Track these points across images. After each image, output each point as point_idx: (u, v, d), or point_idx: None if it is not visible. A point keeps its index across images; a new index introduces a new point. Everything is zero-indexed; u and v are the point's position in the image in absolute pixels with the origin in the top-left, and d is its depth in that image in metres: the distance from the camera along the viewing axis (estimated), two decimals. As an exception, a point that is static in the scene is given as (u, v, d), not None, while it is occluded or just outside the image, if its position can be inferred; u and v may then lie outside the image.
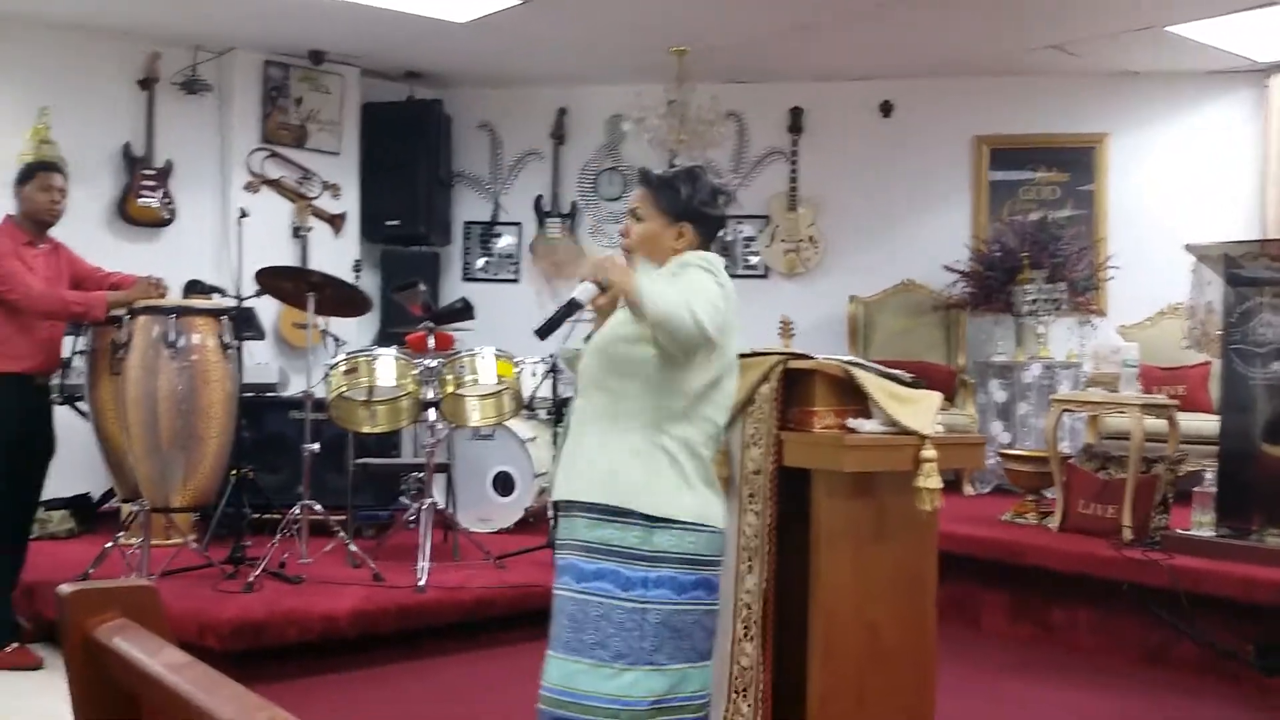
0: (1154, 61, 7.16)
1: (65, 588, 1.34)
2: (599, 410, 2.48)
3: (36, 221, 4.49)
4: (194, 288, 5.55)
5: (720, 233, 2.75)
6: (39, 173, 4.51)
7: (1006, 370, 7.06)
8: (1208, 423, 5.71)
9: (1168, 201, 7.38)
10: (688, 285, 2.42)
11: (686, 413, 2.43)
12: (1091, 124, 7.58)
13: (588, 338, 2.66)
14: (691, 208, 2.57)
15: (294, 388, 6.57)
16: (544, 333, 2.56)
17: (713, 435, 2.52)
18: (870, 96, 7.88)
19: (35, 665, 4.32)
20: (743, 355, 2.99)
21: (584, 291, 2.55)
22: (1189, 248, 5.05)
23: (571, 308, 2.55)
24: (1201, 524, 4.82)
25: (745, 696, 2.89)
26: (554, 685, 2.38)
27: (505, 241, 8.51)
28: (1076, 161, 7.63)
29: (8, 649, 4.31)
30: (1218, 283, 4.98)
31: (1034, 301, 6.91)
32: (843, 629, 2.83)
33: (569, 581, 2.43)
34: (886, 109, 7.88)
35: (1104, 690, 4.39)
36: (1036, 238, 7.13)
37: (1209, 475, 4.90)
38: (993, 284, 7.18)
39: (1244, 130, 7.33)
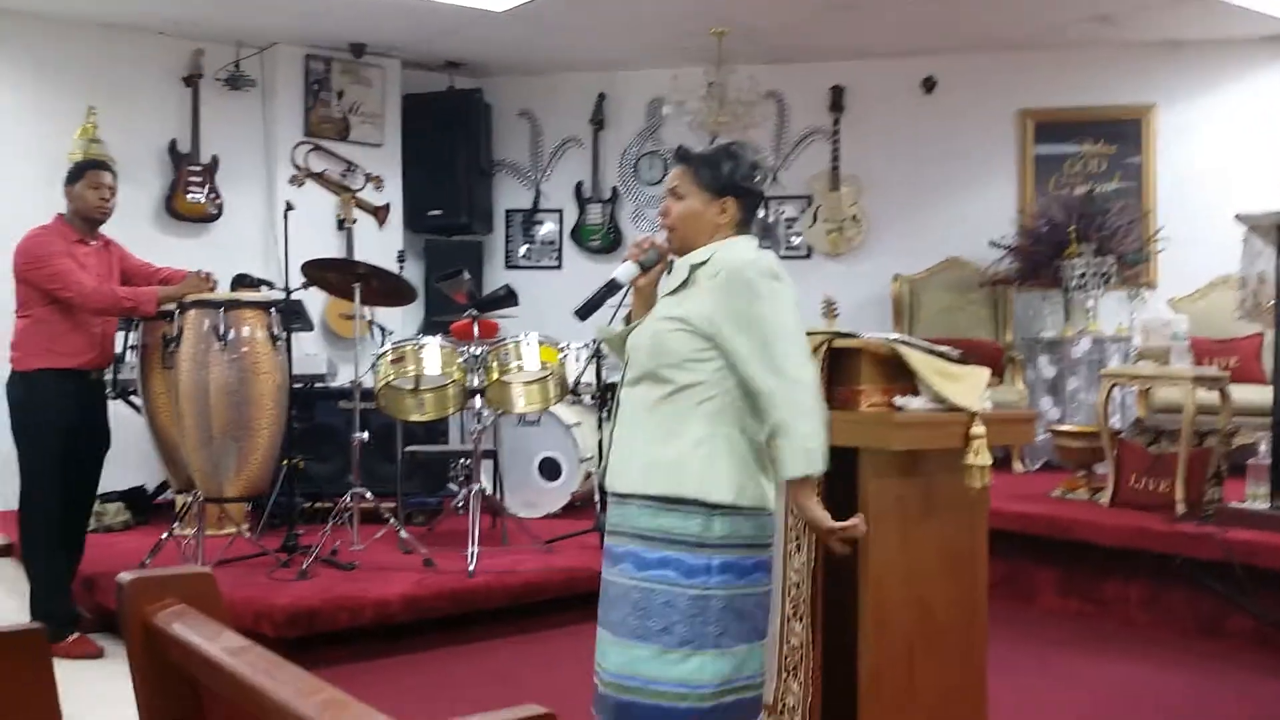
0: (1200, 29, 7.04)
1: (125, 576, 1.37)
2: (655, 399, 2.45)
3: (87, 220, 4.55)
4: (242, 281, 5.61)
5: (760, 208, 2.71)
6: (89, 171, 4.57)
7: (1055, 346, 6.99)
8: (1261, 394, 5.62)
9: (1217, 172, 7.25)
10: (773, 328, 2.38)
11: (748, 403, 2.42)
12: (1138, 95, 7.47)
13: (627, 319, 2.65)
14: (733, 182, 2.52)
15: (342, 378, 6.64)
16: (584, 313, 2.56)
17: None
18: (912, 73, 7.81)
19: (96, 654, 4.41)
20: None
21: (625, 272, 2.55)
22: (1239, 217, 4.97)
23: (612, 288, 2.55)
24: (1256, 496, 4.76)
25: (796, 675, 2.90)
26: (618, 671, 2.39)
27: (547, 229, 8.53)
28: (1123, 133, 7.52)
29: (69, 639, 4.39)
30: (1269, 253, 4.90)
31: (1082, 276, 6.84)
32: (892, 607, 2.82)
33: (629, 569, 2.43)
34: (929, 85, 7.81)
35: (1156, 664, 4.35)
36: (1084, 211, 7.04)
37: (1263, 447, 4.84)
38: (1040, 259, 7.10)
39: (1294, 97, 7.20)
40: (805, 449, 2.34)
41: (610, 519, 2.53)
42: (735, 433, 2.41)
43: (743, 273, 2.42)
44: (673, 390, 2.42)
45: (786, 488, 2.42)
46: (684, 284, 2.50)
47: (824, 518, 2.39)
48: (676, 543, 2.39)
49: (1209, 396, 5.31)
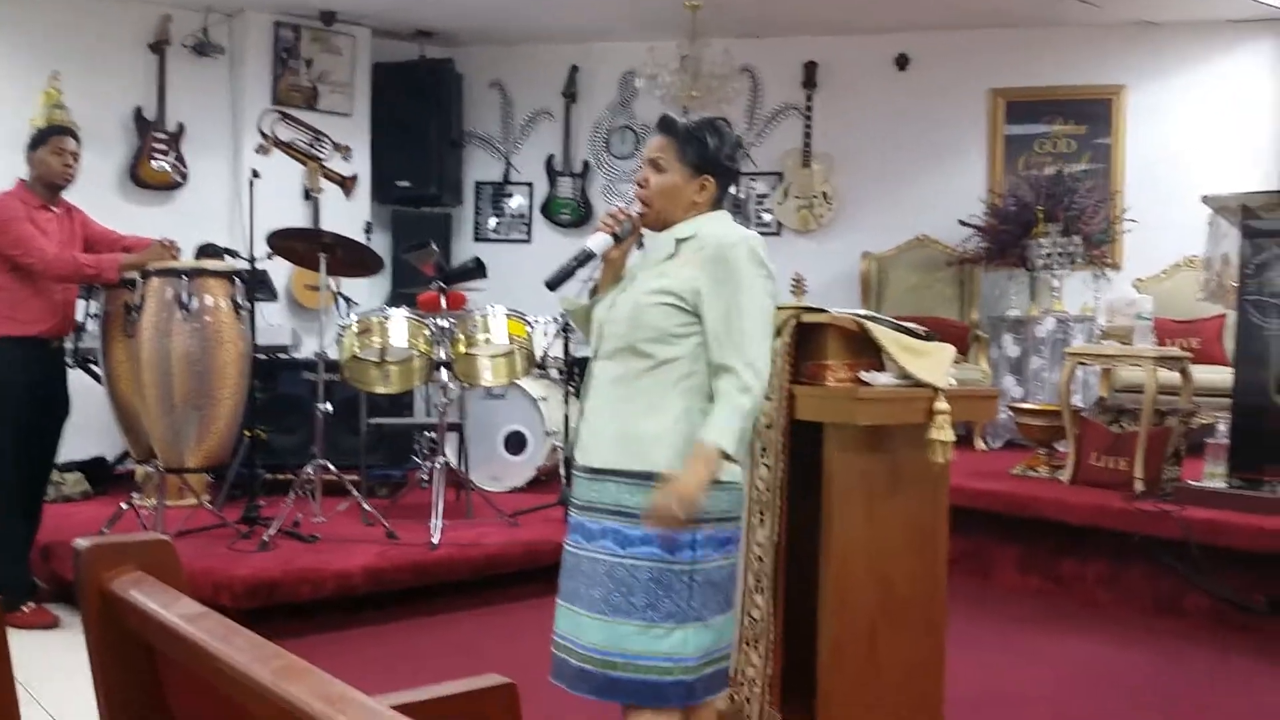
0: (1172, 11, 7.08)
1: (82, 541, 1.35)
2: (632, 375, 2.42)
3: (49, 185, 4.49)
4: (206, 250, 5.56)
5: (733, 186, 2.70)
6: (52, 137, 4.51)
7: (1020, 325, 7.04)
8: (1222, 375, 5.69)
9: (1185, 153, 7.31)
10: (739, 309, 2.37)
11: None
12: (1109, 75, 7.51)
13: (593, 291, 2.63)
14: (717, 160, 2.49)
15: (306, 349, 6.60)
16: (554, 284, 2.53)
17: None
18: (885, 50, 7.81)
19: (52, 624, 4.37)
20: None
21: (598, 243, 2.52)
22: (1206, 199, 5.02)
23: (584, 259, 2.52)
24: (1214, 475, 4.82)
25: (756, 648, 2.92)
26: (602, 647, 2.38)
27: (517, 202, 8.49)
28: (1093, 114, 7.56)
29: (25, 608, 4.36)
30: (1234, 234, 4.94)
31: (1048, 255, 6.88)
32: (854, 581, 2.84)
33: (610, 546, 2.41)
34: (902, 62, 7.81)
35: (1114, 641, 4.41)
36: (1052, 191, 7.08)
37: (1221, 427, 4.89)
38: (1007, 238, 7.14)
39: (1263, 80, 7.26)
40: (737, 428, 2.34)
41: (582, 494, 2.49)
42: (705, 402, 2.40)
43: (734, 249, 2.40)
44: (652, 365, 2.40)
45: (696, 447, 2.34)
46: (669, 258, 2.47)
47: (695, 485, 2.30)
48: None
49: (1170, 376, 5.36)
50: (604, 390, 2.47)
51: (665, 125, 2.52)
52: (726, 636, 2.49)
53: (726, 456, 2.33)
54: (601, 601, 2.40)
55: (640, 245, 2.60)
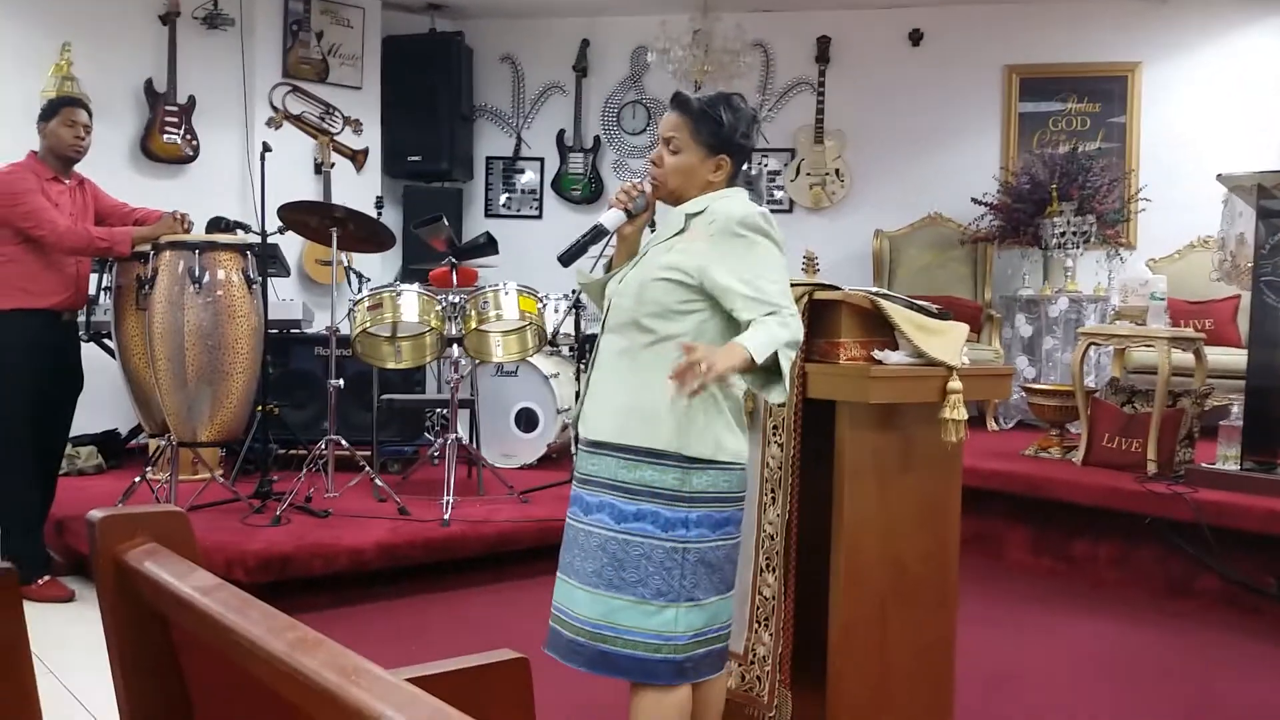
0: (1188, -12, 7.02)
1: (96, 513, 1.35)
2: (636, 348, 2.42)
3: (61, 158, 4.48)
4: (218, 224, 5.55)
5: (746, 164, 2.67)
6: (63, 108, 4.50)
7: (1033, 304, 7.01)
8: (1235, 357, 5.67)
9: (1200, 132, 7.26)
10: (758, 267, 2.36)
11: None
12: (1123, 53, 7.45)
13: (608, 267, 2.63)
14: (732, 140, 2.46)
15: (318, 324, 6.60)
16: (567, 259, 2.53)
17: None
18: (899, 24, 7.77)
19: (67, 597, 4.40)
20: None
21: (611, 219, 2.52)
22: (1221, 178, 4.97)
23: (598, 234, 2.51)
24: (1226, 458, 4.80)
25: (767, 627, 2.91)
26: (594, 620, 2.39)
27: (527, 177, 8.48)
28: (1108, 92, 7.51)
29: (40, 582, 4.38)
30: (1249, 214, 4.90)
31: (1062, 234, 6.84)
32: (866, 561, 2.83)
33: (606, 520, 2.42)
34: (916, 38, 7.77)
35: (1126, 622, 4.40)
36: (1066, 169, 7.04)
37: (1235, 409, 4.88)
38: (1021, 217, 7.11)
39: (1279, 57, 7.19)
40: (769, 345, 2.26)
41: (583, 467, 2.51)
42: (718, 387, 2.38)
43: (743, 223, 2.39)
44: (654, 340, 2.40)
45: (728, 345, 2.27)
46: (679, 233, 2.46)
47: (720, 362, 2.19)
48: (655, 495, 2.38)
49: (1184, 358, 5.34)
50: (607, 364, 2.47)
51: (680, 103, 2.49)
52: (723, 618, 2.47)
53: (752, 367, 2.24)
54: (595, 575, 2.41)
55: (653, 226, 2.59)
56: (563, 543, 2.53)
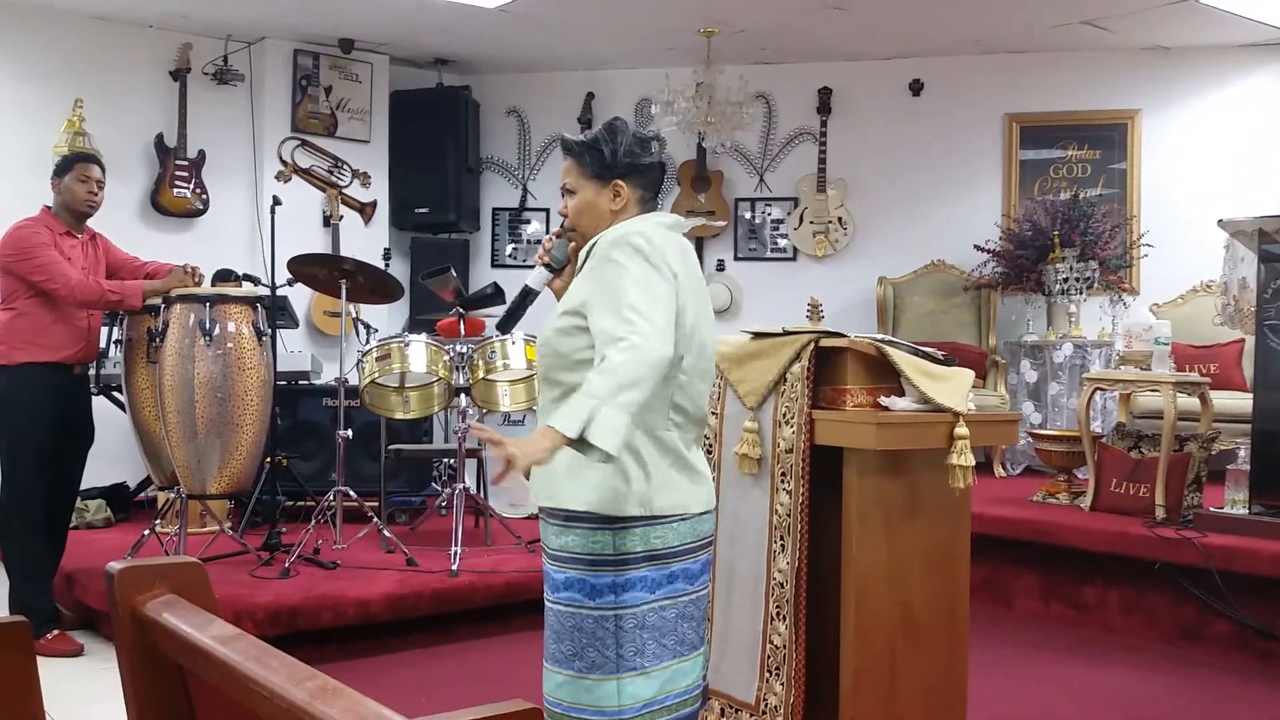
0: (1186, 35, 7.09)
1: (115, 565, 1.37)
2: (549, 404, 2.31)
3: (74, 212, 4.53)
4: (226, 277, 5.59)
5: (661, 181, 2.50)
6: (77, 164, 4.56)
7: (1038, 350, 7.03)
8: (1241, 400, 5.67)
9: (1200, 178, 7.31)
10: (612, 292, 2.18)
11: (651, 401, 2.19)
12: (1123, 100, 7.52)
13: None
14: (619, 162, 2.36)
15: (327, 375, 6.63)
16: (504, 325, 2.52)
17: (683, 409, 2.32)
18: (900, 76, 7.84)
19: (76, 652, 4.38)
20: (773, 334, 3.00)
21: (536, 277, 2.50)
22: (1222, 223, 5.01)
23: (526, 295, 2.49)
24: (1235, 502, 4.79)
25: (778, 675, 2.91)
26: (549, 695, 2.30)
27: (534, 228, 8.53)
28: (1108, 139, 7.57)
29: (49, 636, 4.37)
30: (1251, 258, 4.93)
31: (1065, 280, 6.87)
32: (875, 608, 2.83)
33: (546, 590, 2.34)
34: (916, 88, 7.84)
35: (1136, 669, 4.38)
36: (1068, 216, 7.08)
37: (1242, 453, 4.87)
38: (1024, 263, 7.14)
39: (1278, 104, 7.25)
40: (596, 396, 2.05)
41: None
42: (638, 435, 2.23)
43: (614, 244, 2.26)
44: (563, 393, 2.25)
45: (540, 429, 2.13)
46: (577, 273, 2.38)
47: (526, 452, 2.05)
48: (580, 561, 2.25)
49: (1190, 402, 5.34)
50: (539, 423, 2.31)
51: (563, 146, 2.46)
52: (684, 681, 2.32)
53: (574, 443, 2.05)
54: (546, 648, 2.33)
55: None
56: None
